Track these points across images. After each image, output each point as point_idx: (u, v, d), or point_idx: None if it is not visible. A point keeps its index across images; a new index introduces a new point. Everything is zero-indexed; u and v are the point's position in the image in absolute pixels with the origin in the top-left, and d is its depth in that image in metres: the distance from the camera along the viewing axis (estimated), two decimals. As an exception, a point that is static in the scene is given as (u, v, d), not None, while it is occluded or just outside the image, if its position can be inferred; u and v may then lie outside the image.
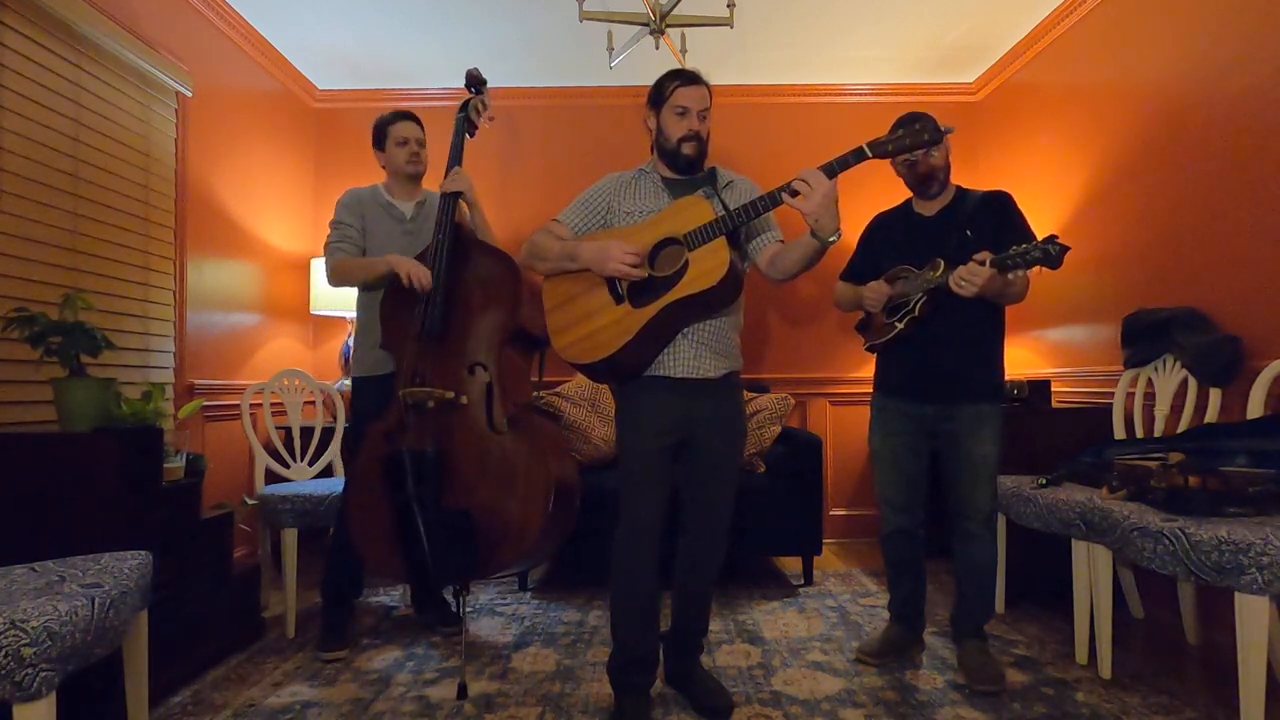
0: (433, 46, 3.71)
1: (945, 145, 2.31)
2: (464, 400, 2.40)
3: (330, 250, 2.68)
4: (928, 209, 2.39)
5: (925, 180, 2.33)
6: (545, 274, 2.10)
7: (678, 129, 2.03)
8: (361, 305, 2.73)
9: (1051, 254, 2.00)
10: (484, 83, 2.75)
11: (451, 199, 2.55)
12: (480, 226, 2.65)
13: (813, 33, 3.66)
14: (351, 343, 2.77)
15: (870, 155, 1.81)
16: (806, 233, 1.87)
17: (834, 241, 1.84)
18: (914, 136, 1.83)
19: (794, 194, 1.80)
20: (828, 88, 4.26)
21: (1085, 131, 3.34)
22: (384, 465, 2.34)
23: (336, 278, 2.67)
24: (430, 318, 2.44)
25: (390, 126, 2.73)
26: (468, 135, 2.70)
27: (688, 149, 2.03)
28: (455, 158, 2.64)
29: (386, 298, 2.57)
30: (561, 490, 2.33)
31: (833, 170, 1.80)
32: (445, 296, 2.45)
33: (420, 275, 2.45)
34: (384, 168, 2.78)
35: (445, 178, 2.59)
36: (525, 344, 2.57)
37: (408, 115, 2.75)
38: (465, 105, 2.73)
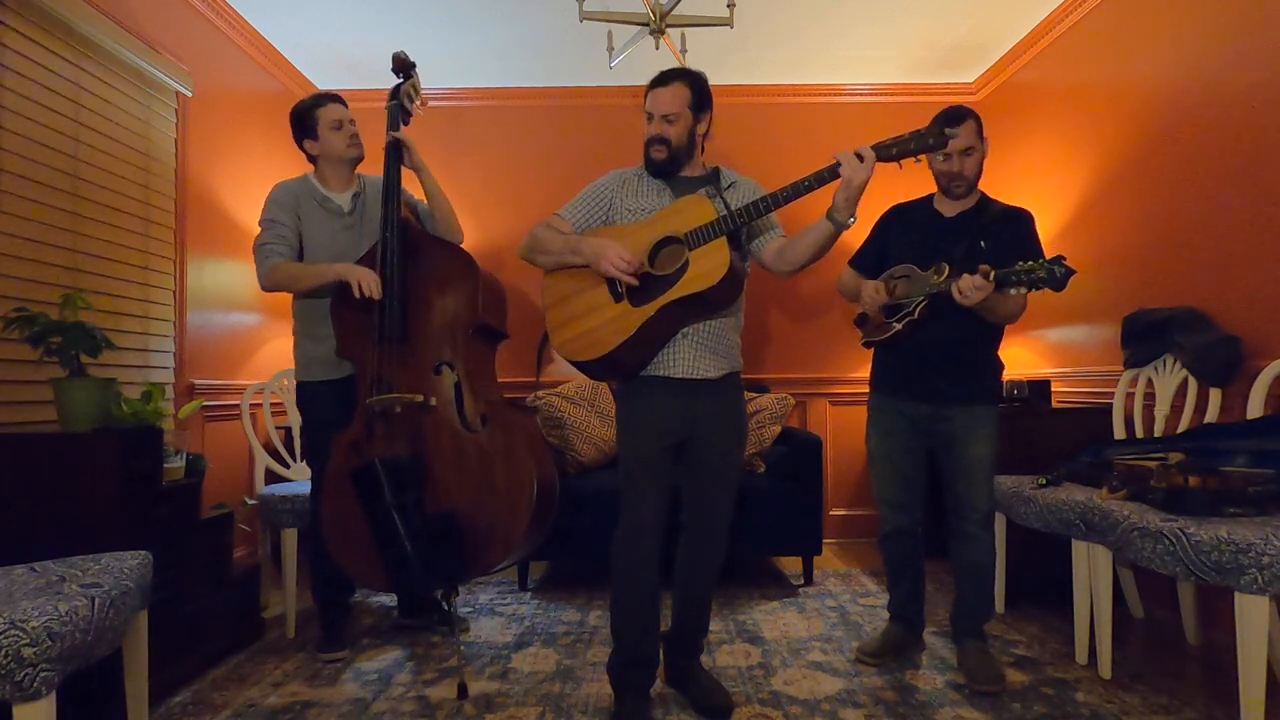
0: (433, 47, 3.70)
1: (981, 150, 2.30)
2: (433, 402, 2.35)
3: (264, 253, 2.46)
4: (949, 209, 2.38)
5: (953, 178, 2.32)
6: (546, 269, 2.09)
7: (646, 133, 2.04)
8: (302, 305, 2.58)
9: (1056, 275, 1.98)
10: (413, 66, 2.57)
11: (393, 152, 2.46)
12: (434, 192, 2.58)
13: (813, 33, 3.66)
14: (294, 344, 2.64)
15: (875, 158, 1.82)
16: (819, 220, 1.88)
17: (850, 224, 1.86)
18: (918, 141, 1.82)
19: (834, 175, 1.81)
20: (828, 88, 4.26)
21: (1085, 131, 3.34)
22: (355, 477, 2.28)
23: (272, 283, 2.47)
24: (388, 322, 2.36)
25: (317, 110, 2.51)
26: (402, 124, 2.56)
27: (653, 153, 2.03)
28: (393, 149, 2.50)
29: (337, 303, 2.44)
30: (543, 483, 2.32)
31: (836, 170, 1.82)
32: (402, 299, 2.37)
33: (371, 284, 2.32)
34: (315, 158, 2.58)
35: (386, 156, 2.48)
36: (488, 338, 2.53)
37: (333, 97, 2.57)
38: (396, 92, 2.55)
